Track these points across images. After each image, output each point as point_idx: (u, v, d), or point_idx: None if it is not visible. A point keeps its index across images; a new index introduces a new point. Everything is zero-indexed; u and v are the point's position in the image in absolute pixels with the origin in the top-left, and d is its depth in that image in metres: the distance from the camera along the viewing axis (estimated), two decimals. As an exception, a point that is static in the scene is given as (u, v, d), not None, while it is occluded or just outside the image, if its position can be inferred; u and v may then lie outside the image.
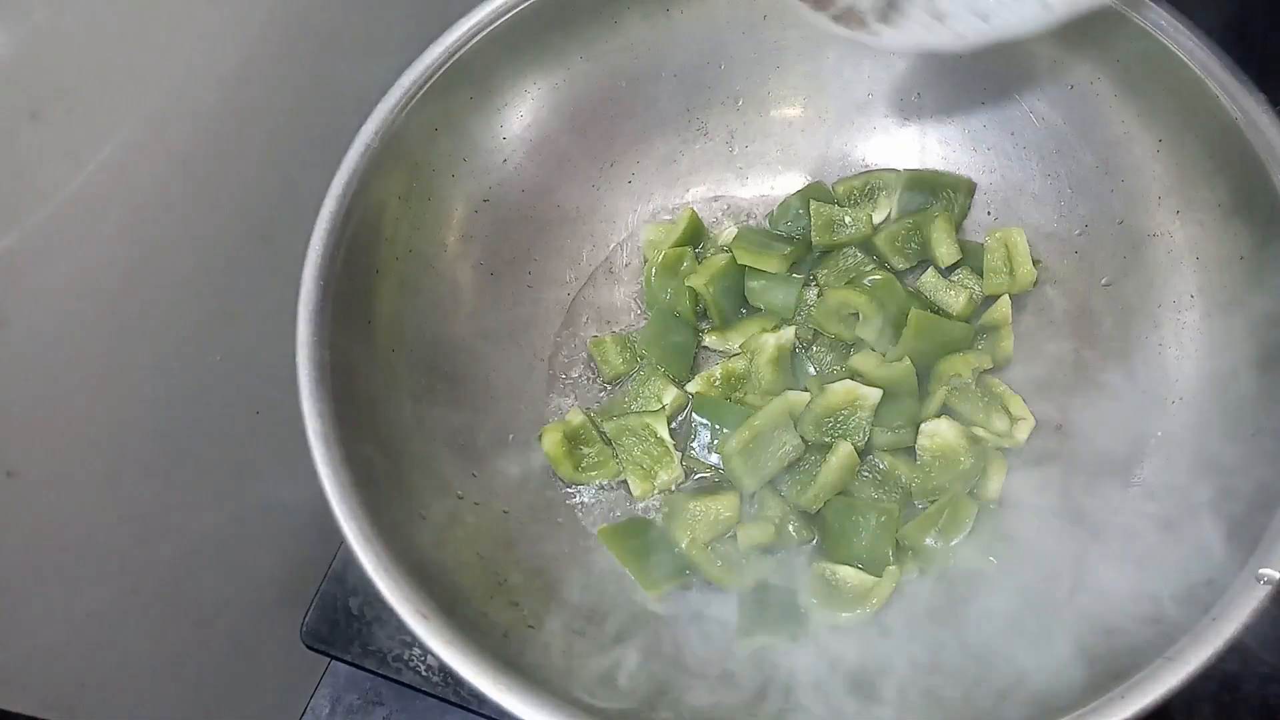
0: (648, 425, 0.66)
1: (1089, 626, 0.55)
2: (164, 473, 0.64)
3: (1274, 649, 0.66)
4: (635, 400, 0.69)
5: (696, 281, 0.70)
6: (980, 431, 0.66)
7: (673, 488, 0.67)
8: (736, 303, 0.72)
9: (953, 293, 0.69)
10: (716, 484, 0.67)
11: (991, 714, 0.53)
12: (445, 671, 0.67)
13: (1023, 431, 0.66)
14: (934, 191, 0.73)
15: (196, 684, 0.71)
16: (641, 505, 0.67)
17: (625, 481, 0.67)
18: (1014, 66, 0.69)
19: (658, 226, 0.75)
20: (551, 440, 0.67)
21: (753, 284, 0.71)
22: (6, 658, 0.55)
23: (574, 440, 0.68)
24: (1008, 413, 0.66)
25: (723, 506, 0.64)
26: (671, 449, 0.66)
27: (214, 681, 0.72)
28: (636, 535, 0.65)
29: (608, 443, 0.68)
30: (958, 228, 0.73)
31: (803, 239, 0.73)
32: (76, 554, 0.58)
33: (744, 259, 0.70)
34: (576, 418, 0.68)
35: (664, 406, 0.68)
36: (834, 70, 0.74)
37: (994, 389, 0.67)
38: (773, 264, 0.69)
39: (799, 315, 0.71)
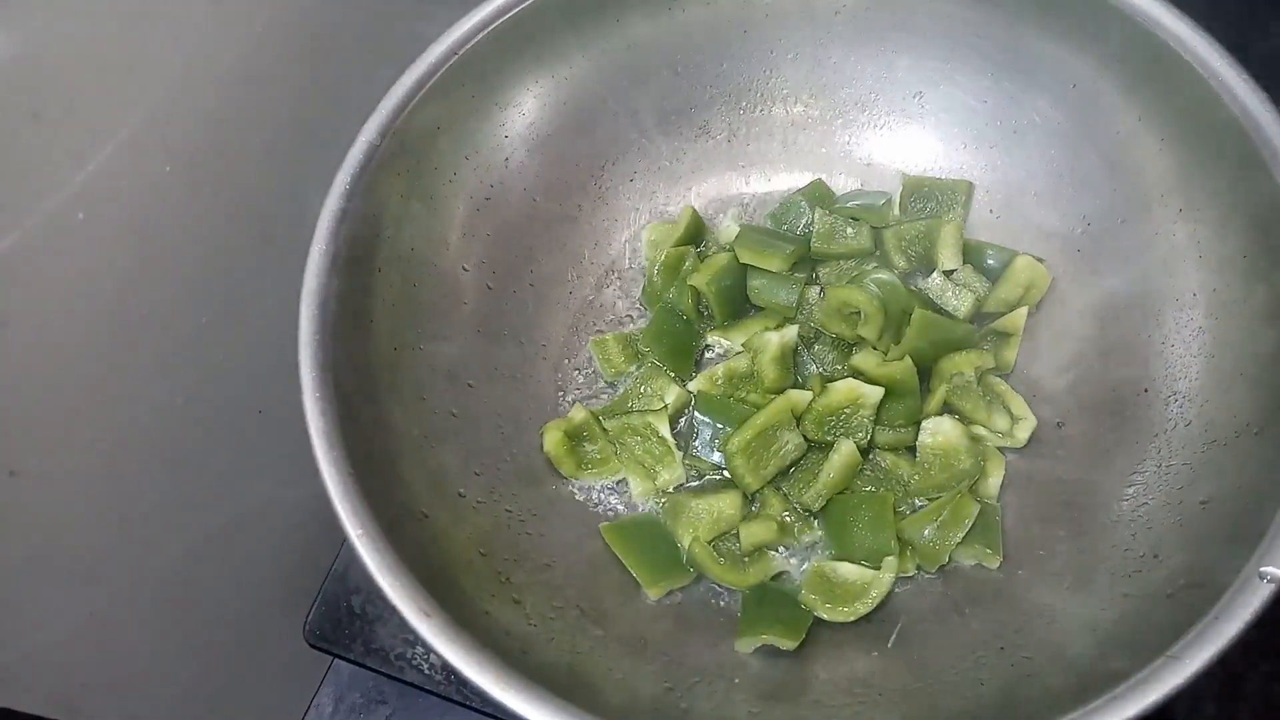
0: (649, 424, 0.66)
1: (1088, 626, 0.55)
2: (165, 472, 0.64)
3: (1277, 648, 0.66)
4: (637, 399, 0.69)
5: (698, 280, 0.70)
6: (981, 430, 0.66)
7: (673, 487, 0.67)
8: (739, 301, 0.72)
9: (958, 296, 0.69)
10: (719, 483, 0.67)
11: (992, 714, 0.53)
12: (448, 670, 0.67)
13: (1024, 431, 0.66)
14: (933, 197, 0.73)
15: (198, 683, 0.71)
16: (644, 504, 0.67)
17: (628, 480, 0.67)
18: (1017, 65, 0.69)
19: (660, 226, 0.75)
20: (553, 439, 0.67)
21: (755, 283, 0.71)
22: (7, 657, 0.55)
23: (576, 437, 0.68)
24: (1009, 412, 0.66)
25: (725, 505, 0.64)
26: (673, 449, 0.66)
27: (216, 680, 0.72)
28: (640, 533, 0.65)
29: (611, 439, 0.68)
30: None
31: (805, 237, 0.73)
32: (76, 554, 0.58)
33: (746, 258, 0.70)
34: (579, 414, 0.68)
35: (666, 406, 0.68)
36: (836, 69, 0.74)
37: (995, 388, 0.67)
38: (775, 263, 0.69)
39: (801, 314, 0.71)
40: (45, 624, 0.57)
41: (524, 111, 0.70)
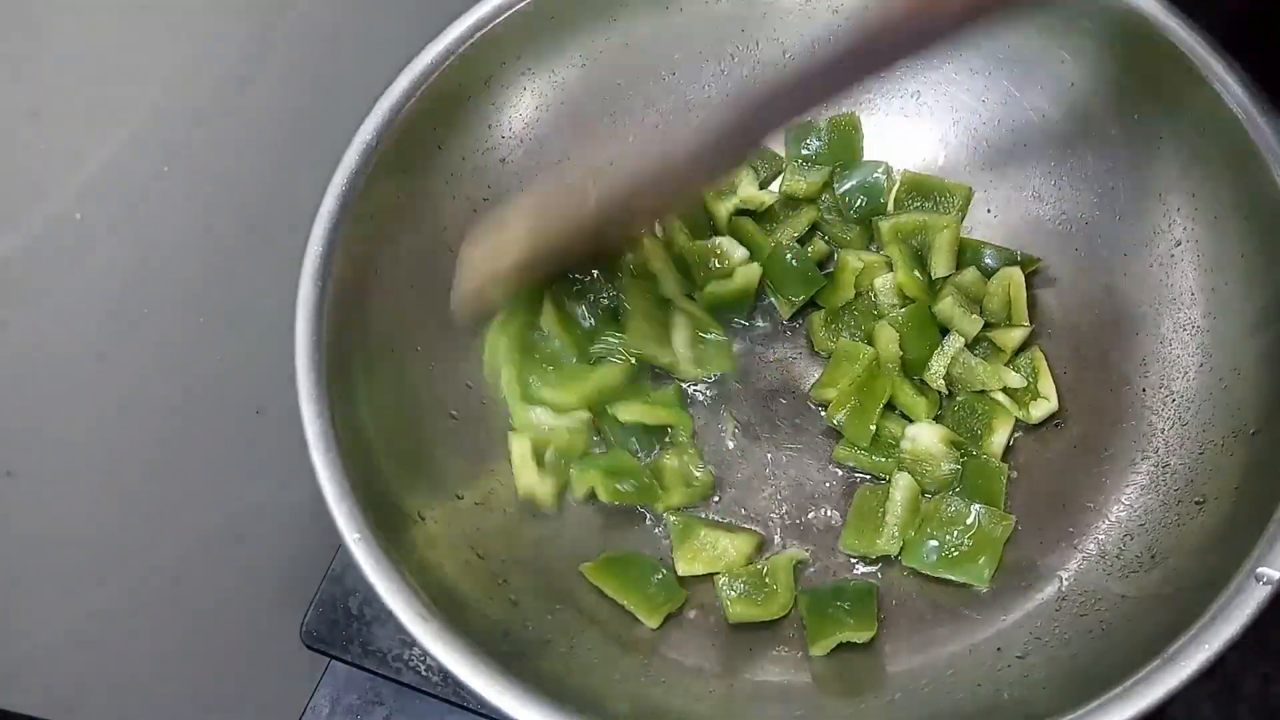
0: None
1: (1084, 627, 0.55)
2: (164, 473, 0.64)
3: (1275, 649, 0.66)
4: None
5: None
6: (1000, 396, 0.66)
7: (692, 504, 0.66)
8: None
9: (964, 320, 0.67)
10: (739, 524, 0.65)
11: (990, 711, 0.53)
12: (445, 672, 0.66)
13: (1040, 410, 0.66)
14: (931, 197, 0.73)
15: (196, 684, 0.71)
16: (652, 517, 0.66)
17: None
18: (1016, 65, 0.69)
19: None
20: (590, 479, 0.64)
21: None
22: (6, 658, 0.55)
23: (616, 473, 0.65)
24: (1034, 384, 0.66)
25: (736, 545, 0.62)
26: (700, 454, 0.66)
27: (213, 681, 0.72)
28: (628, 565, 0.62)
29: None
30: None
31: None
32: (76, 554, 0.58)
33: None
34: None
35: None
36: (834, 69, 0.74)
37: (1036, 362, 0.67)
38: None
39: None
40: (42, 625, 0.57)
41: (521, 112, 0.70)
